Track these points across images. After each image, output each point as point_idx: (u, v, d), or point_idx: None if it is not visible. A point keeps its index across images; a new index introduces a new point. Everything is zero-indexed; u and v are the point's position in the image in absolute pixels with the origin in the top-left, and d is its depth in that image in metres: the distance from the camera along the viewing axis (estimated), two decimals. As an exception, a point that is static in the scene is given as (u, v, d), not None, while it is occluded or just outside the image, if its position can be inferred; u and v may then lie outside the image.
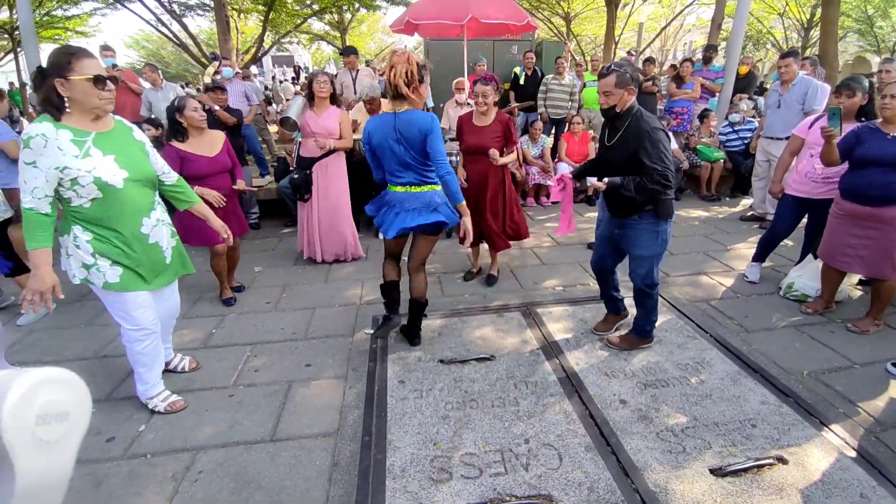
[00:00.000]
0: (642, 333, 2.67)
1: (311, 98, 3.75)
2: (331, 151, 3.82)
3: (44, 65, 1.77)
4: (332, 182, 3.92)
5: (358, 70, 6.05)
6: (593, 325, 2.91)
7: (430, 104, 6.88)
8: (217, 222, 2.31)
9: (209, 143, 3.10)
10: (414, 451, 2.00)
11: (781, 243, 4.11)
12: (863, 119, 3.00)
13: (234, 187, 3.22)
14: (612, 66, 2.27)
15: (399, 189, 2.47)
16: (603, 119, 2.46)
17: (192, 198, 2.28)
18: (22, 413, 0.51)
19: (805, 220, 3.44)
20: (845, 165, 2.78)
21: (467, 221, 2.47)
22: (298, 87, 13.09)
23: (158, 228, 2.08)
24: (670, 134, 2.29)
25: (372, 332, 2.94)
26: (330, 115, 3.76)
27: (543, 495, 1.78)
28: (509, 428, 2.12)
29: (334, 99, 3.85)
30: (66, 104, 1.77)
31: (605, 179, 2.25)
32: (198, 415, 2.26)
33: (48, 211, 1.80)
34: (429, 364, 2.61)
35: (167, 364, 2.52)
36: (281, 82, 14.80)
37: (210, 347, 2.85)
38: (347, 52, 6.15)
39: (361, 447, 2.03)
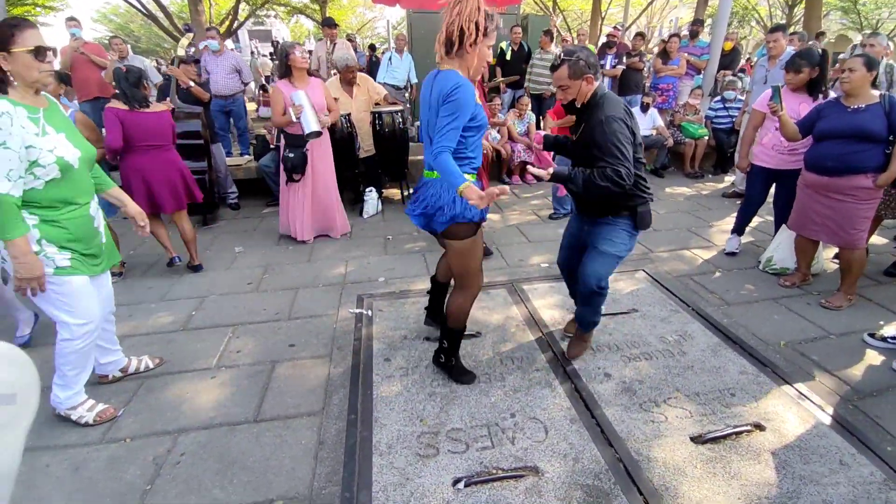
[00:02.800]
0: (588, 328, 2.40)
1: (287, 73, 3.59)
2: (305, 140, 3.68)
3: None
4: (323, 160, 3.86)
5: (335, 43, 5.87)
6: (564, 326, 2.69)
7: (414, 80, 6.72)
8: (133, 208, 2.11)
9: (152, 107, 3.19)
10: (400, 427, 2.00)
11: (761, 219, 4.18)
12: (820, 94, 3.07)
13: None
14: (563, 56, 1.96)
15: (424, 172, 2.00)
16: None
17: (107, 182, 2.09)
18: None
19: (774, 192, 3.50)
20: (811, 138, 2.86)
21: (477, 198, 1.67)
22: (276, 63, 12.63)
23: (97, 211, 1.98)
24: (634, 121, 1.97)
25: (356, 311, 2.91)
26: (314, 89, 3.64)
27: (529, 467, 1.79)
28: (496, 403, 2.13)
29: (310, 72, 3.72)
30: (13, 79, 1.66)
31: (550, 169, 1.92)
32: (178, 398, 2.21)
33: (20, 195, 1.65)
34: (414, 342, 2.59)
35: (124, 370, 2.32)
36: (259, 56, 14.26)
37: (190, 330, 2.78)
38: (330, 23, 5.95)
39: (347, 425, 2.02)
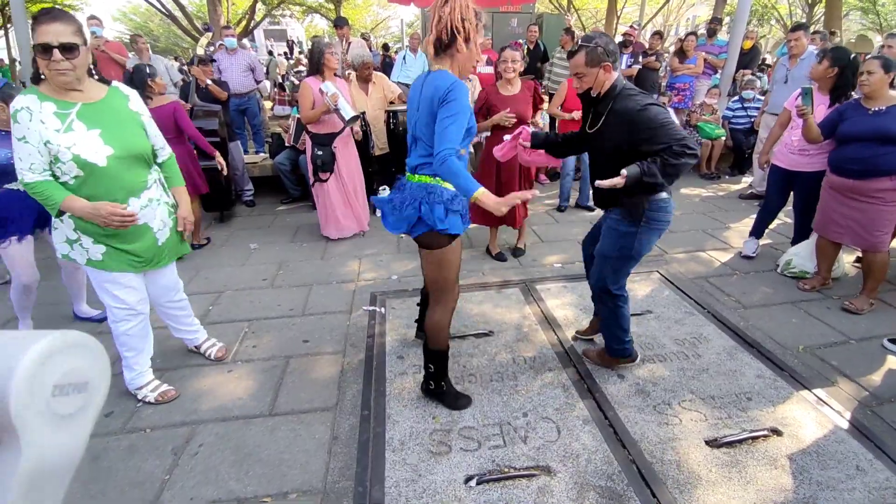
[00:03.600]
0: (611, 353, 2.28)
1: (319, 71, 3.61)
2: (344, 126, 3.75)
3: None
4: (353, 156, 3.94)
5: (350, 42, 5.91)
6: (579, 328, 2.61)
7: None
8: (183, 212, 2.12)
9: (154, 102, 3.40)
10: (413, 424, 2.01)
11: (779, 221, 4.11)
12: (843, 97, 2.98)
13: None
14: (581, 42, 1.89)
15: (407, 175, 1.89)
16: None
17: (174, 179, 2.13)
18: (38, 381, 0.44)
19: (793, 196, 3.43)
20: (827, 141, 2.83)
21: (495, 204, 1.62)
22: (293, 62, 12.76)
23: (150, 209, 1.93)
24: (667, 108, 1.92)
25: (369, 308, 2.93)
26: (343, 87, 3.72)
27: (542, 466, 1.79)
28: (508, 402, 2.13)
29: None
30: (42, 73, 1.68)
31: (624, 172, 1.79)
32: (196, 390, 2.25)
33: (50, 178, 1.74)
34: (427, 340, 2.60)
35: (197, 347, 2.48)
36: (278, 55, 14.40)
37: (207, 324, 2.81)
38: (341, 22, 6.00)
39: (361, 421, 2.04)
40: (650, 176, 1.78)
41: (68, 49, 1.61)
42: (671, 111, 5.88)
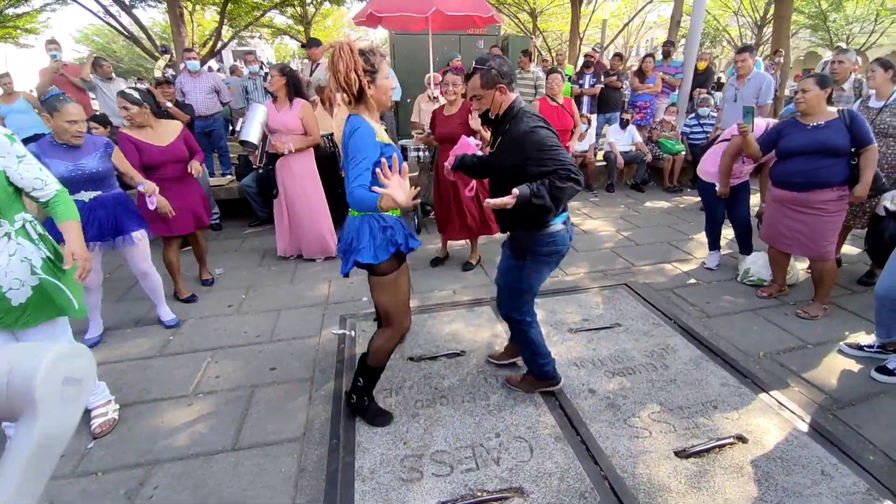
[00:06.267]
0: (534, 375, 2.27)
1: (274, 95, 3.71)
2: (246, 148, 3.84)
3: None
4: (301, 179, 3.82)
5: (318, 64, 5.88)
6: (492, 353, 2.58)
7: (397, 98, 6.80)
8: (72, 244, 1.84)
9: (161, 134, 3.11)
10: (384, 451, 1.96)
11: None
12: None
13: (189, 170, 3.19)
14: (475, 65, 1.90)
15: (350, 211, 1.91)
16: None
17: (63, 216, 1.84)
18: (56, 372, 0.63)
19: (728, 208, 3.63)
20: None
21: (392, 201, 1.59)
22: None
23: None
24: (553, 129, 1.89)
25: (339, 332, 2.87)
26: (289, 111, 3.65)
27: (514, 488, 1.77)
28: (480, 423, 2.10)
29: (299, 92, 3.72)
30: None
31: (515, 191, 1.73)
32: (153, 428, 2.14)
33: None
34: (398, 362, 2.56)
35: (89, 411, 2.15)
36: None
37: (167, 356, 2.71)
38: (311, 44, 5.96)
39: (329, 451, 1.97)
40: (539, 197, 1.76)
41: None
42: (633, 128, 6.14)
